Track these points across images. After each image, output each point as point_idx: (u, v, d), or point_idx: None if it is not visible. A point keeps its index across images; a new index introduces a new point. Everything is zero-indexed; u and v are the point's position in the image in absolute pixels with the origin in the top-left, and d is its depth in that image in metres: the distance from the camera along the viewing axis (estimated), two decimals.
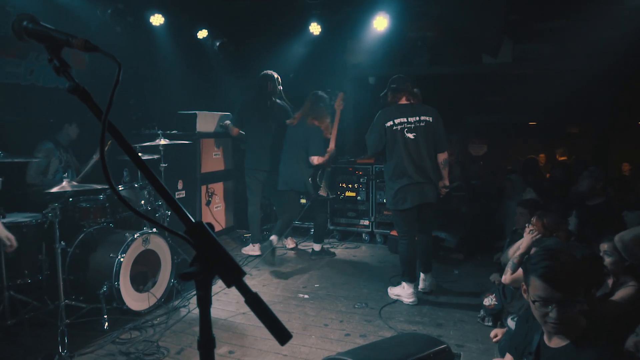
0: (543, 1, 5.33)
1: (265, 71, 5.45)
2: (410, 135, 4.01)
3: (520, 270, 3.20)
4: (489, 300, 3.39)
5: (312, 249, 5.57)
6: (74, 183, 3.49)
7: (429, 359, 2.40)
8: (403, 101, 4.13)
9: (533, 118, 8.48)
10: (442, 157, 4.15)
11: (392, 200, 4.10)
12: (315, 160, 5.01)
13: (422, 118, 4.05)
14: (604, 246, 2.72)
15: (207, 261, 0.79)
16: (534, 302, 1.73)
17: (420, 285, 4.31)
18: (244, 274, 0.79)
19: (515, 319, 2.80)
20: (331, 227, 6.26)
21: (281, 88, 5.49)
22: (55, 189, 3.36)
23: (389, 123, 4.05)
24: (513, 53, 6.05)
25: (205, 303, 0.82)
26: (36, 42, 0.98)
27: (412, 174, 4.00)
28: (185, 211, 0.82)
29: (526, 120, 8.71)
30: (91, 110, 0.93)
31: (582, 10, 5.24)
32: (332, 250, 5.70)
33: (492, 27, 5.00)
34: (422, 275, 4.32)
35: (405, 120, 4.04)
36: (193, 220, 0.81)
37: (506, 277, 3.11)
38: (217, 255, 0.79)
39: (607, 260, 2.70)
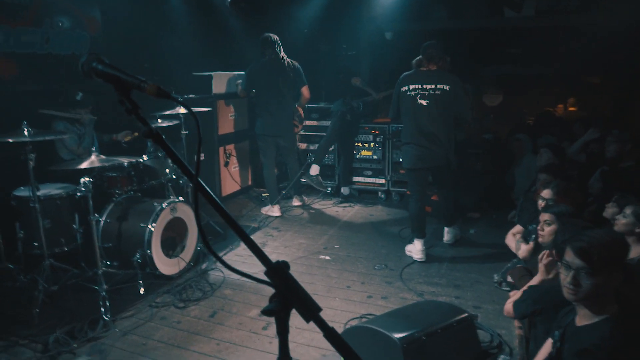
0: None
1: (264, 35, 5.28)
2: (423, 102, 4.11)
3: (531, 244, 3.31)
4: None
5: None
6: (102, 157, 3.59)
7: (452, 328, 2.57)
8: (423, 67, 4.19)
9: (552, 69, 8.26)
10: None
11: (405, 159, 4.38)
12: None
13: (439, 86, 4.08)
14: (629, 209, 2.77)
15: (286, 298, 0.88)
16: (560, 265, 1.89)
17: (445, 238, 4.70)
18: (320, 309, 0.88)
19: None
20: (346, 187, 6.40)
21: (283, 55, 5.30)
22: (84, 165, 3.46)
23: (404, 88, 4.19)
24: (537, 5, 5.81)
25: (284, 334, 0.91)
26: (104, 81, 1.02)
27: (420, 140, 4.16)
28: (265, 254, 0.90)
29: (544, 71, 8.48)
30: (164, 150, 0.98)
31: None
32: (350, 206, 6.07)
33: None
34: (445, 228, 4.70)
35: (419, 87, 4.13)
36: (272, 262, 0.89)
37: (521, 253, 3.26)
38: (295, 294, 0.87)
39: (622, 221, 2.76)
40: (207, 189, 0.95)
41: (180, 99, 1.03)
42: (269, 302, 0.90)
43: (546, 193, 3.27)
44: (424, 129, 4.13)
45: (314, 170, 5.87)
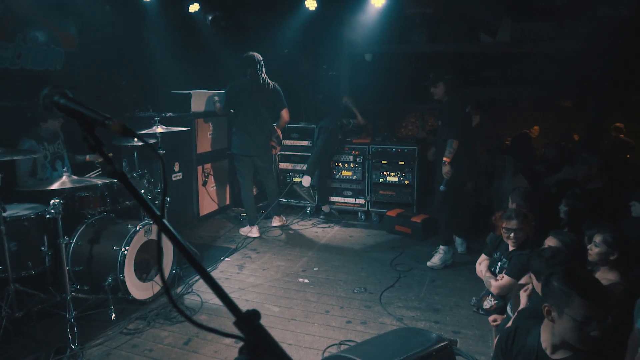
0: None
1: (247, 54, 5.26)
2: (475, 119, 4.85)
3: (506, 280, 3.31)
4: (488, 303, 3.49)
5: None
6: (74, 177, 3.47)
7: (431, 357, 2.53)
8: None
9: (528, 92, 8.51)
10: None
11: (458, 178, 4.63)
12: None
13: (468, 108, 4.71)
14: (598, 237, 2.78)
15: (256, 351, 0.83)
16: (580, 322, 1.73)
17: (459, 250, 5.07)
18: None
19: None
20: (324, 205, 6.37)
21: (264, 76, 5.28)
22: (55, 185, 3.34)
23: (467, 109, 4.69)
24: (511, 32, 5.99)
25: None
26: (67, 116, 0.97)
27: (469, 156, 4.80)
28: (234, 303, 0.85)
29: (521, 93, 8.73)
30: (128, 190, 0.94)
31: None
32: (330, 227, 6.00)
33: (493, 8, 4.94)
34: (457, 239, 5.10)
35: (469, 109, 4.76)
36: (242, 312, 0.84)
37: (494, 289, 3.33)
38: (266, 346, 0.83)
39: (595, 250, 2.77)
40: (173, 230, 0.91)
41: (148, 140, 0.98)
42: (239, 353, 0.85)
43: (513, 224, 3.31)
44: (469, 145, 4.73)
45: (306, 181, 5.88)
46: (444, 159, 4.49)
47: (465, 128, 4.59)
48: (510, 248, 3.39)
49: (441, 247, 4.72)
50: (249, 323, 0.83)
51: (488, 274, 3.58)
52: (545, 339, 1.93)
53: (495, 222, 3.45)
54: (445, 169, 4.49)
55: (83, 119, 0.94)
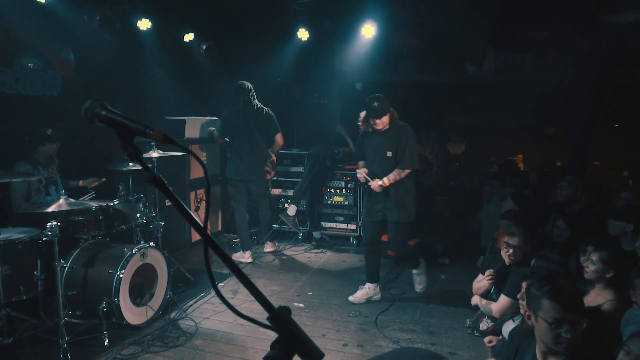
0: (525, 13, 5.55)
1: (237, 82, 5.38)
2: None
3: (505, 300, 3.35)
4: (485, 324, 3.52)
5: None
6: (72, 200, 3.48)
7: None
8: None
9: (512, 119, 8.81)
10: None
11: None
12: None
13: None
14: (594, 255, 2.78)
15: (289, 344, 0.87)
16: (550, 324, 1.81)
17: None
18: (323, 355, 0.88)
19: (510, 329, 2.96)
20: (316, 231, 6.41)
21: (257, 102, 5.39)
22: (52, 208, 3.34)
23: None
24: (496, 62, 6.28)
25: None
26: (107, 127, 1.03)
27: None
28: (268, 300, 0.90)
29: (505, 121, 9.03)
30: (167, 196, 0.99)
31: (560, 23, 5.50)
32: (322, 252, 6.03)
33: (478, 40, 5.19)
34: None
35: None
36: (275, 308, 0.89)
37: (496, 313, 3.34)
38: (298, 339, 0.87)
39: (591, 268, 2.83)
40: (216, 243, 0.96)
41: (185, 147, 1.04)
42: (271, 348, 0.89)
43: (515, 240, 3.39)
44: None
45: (292, 210, 5.91)
46: (386, 180, 4.14)
47: None
48: (507, 263, 3.45)
49: (413, 270, 4.57)
50: (281, 318, 0.88)
51: (484, 302, 3.60)
52: (538, 349, 2.00)
53: (497, 237, 3.52)
54: (379, 188, 4.14)
55: (124, 129, 1.00)
